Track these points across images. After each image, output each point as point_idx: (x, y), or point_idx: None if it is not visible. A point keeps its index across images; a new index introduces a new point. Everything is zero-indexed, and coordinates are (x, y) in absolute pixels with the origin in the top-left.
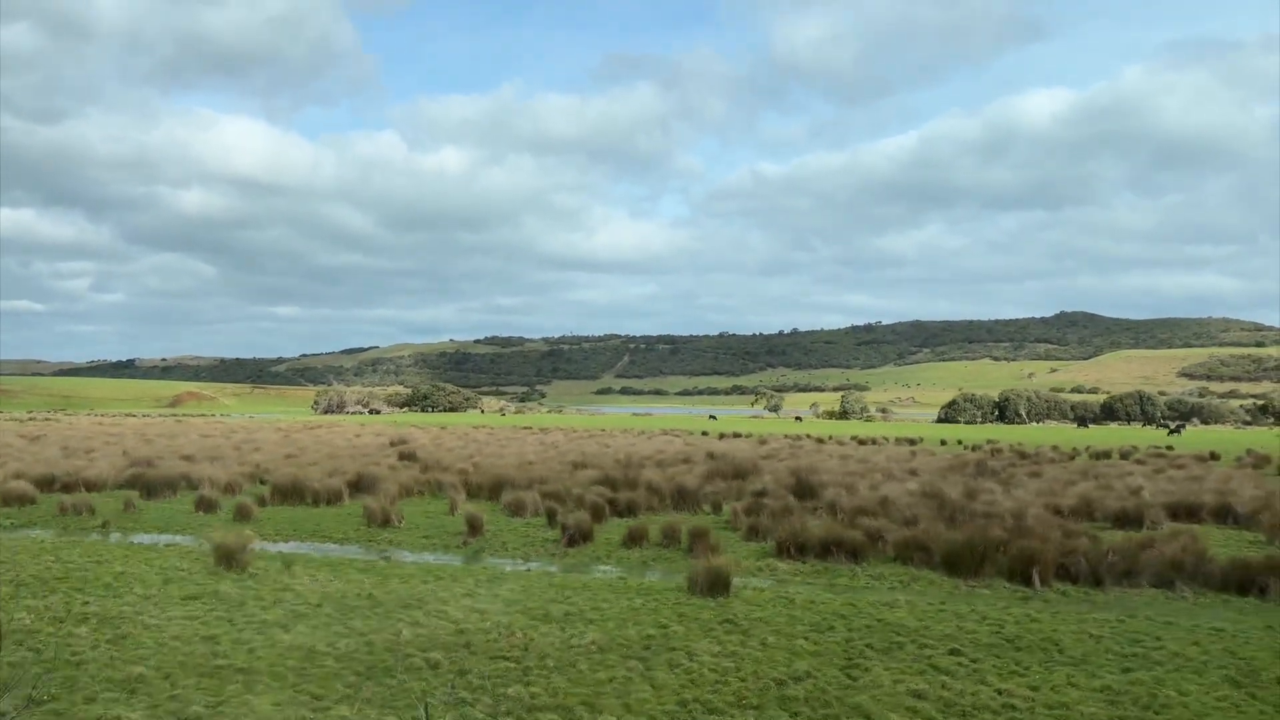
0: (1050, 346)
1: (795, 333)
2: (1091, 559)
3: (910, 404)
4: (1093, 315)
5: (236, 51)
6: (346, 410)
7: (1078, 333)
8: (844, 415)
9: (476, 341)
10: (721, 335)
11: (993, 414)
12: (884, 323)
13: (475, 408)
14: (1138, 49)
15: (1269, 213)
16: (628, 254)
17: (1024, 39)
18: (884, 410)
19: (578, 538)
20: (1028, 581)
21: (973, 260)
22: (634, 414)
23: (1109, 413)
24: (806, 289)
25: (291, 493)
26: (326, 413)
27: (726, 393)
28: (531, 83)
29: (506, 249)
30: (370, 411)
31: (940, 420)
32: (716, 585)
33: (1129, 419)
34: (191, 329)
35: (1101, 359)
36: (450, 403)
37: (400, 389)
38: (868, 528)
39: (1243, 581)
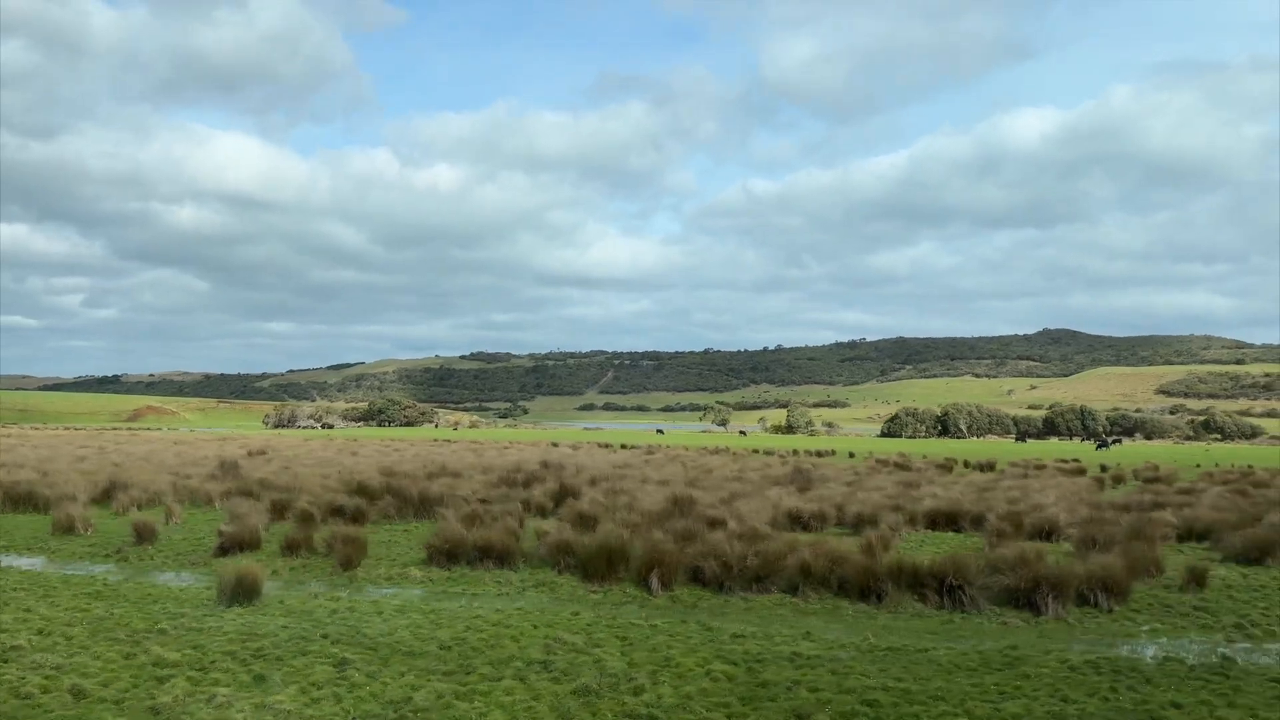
0: (1032, 364)
1: (780, 349)
2: (726, 563)
3: (874, 420)
4: (1075, 332)
5: (231, 69)
6: (298, 425)
7: (1060, 350)
8: (790, 430)
9: (462, 358)
10: (707, 352)
11: (935, 428)
12: (868, 339)
13: (432, 422)
14: (1126, 69)
15: (1258, 232)
16: (621, 271)
17: (1013, 59)
18: (830, 425)
19: (233, 546)
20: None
21: (965, 278)
22: (585, 428)
23: (1050, 427)
24: (800, 306)
25: (23, 500)
26: (277, 427)
27: (710, 408)
28: (524, 100)
29: (500, 266)
30: (324, 426)
31: (884, 434)
32: (241, 592)
33: (1070, 433)
34: (185, 345)
35: (1081, 376)
36: (407, 417)
37: (359, 404)
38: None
39: (864, 588)
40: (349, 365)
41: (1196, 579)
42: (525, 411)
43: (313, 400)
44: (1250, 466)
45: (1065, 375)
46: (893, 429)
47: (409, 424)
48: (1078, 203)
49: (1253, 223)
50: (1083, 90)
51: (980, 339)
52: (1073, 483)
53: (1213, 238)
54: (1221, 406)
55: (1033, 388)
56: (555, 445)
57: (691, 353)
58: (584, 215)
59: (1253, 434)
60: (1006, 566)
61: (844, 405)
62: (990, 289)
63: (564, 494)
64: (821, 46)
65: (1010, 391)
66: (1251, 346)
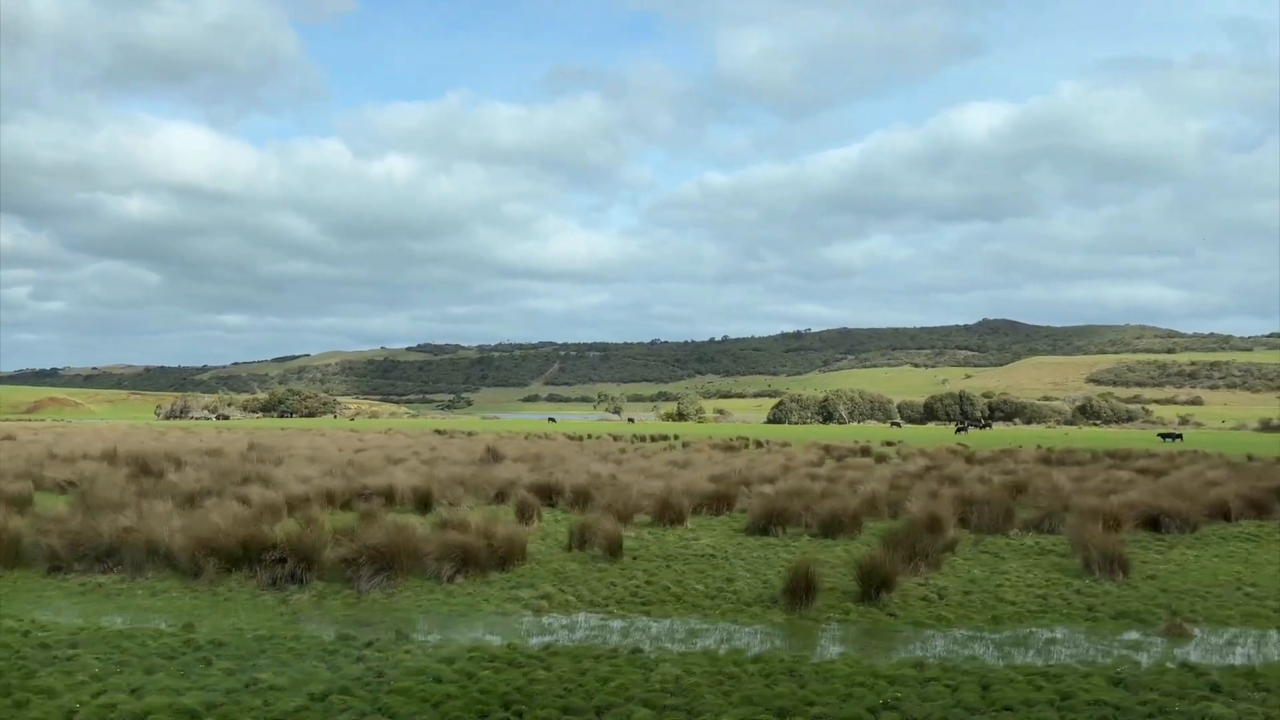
0: (970, 353)
1: (726, 340)
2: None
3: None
4: (1014, 323)
5: (178, 58)
6: (190, 416)
7: (998, 340)
8: (681, 417)
9: (408, 349)
10: (653, 343)
11: (819, 415)
12: (813, 330)
13: (331, 413)
14: (1073, 66)
15: (1204, 226)
16: (580, 263)
17: (963, 55)
18: (721, 412)
19: None
20: None
21: (919, 271)
22: (484, 418)
23: (930, 413)
24: (759, 299)
25: None
26: (169, 418)
27: (652, 399)
28: (478, 92)
29: (458, 258)
30: (219, 417)
31: (770, 421)
32: None
33: (948, 418)
34: (136, 338)
35: (1015, 365)
36: (308, 408)
37: (260, 396)
38: None
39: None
40: (293, 358)
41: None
42: (469, 403)
43: (253, 392)
44: (1054, 448)
45: (1001, 365)
46: (778, 415)
47: (310, 414)
48: (1027, 197)
49: (1198, 217)
50: (1032, 86)
51: (921, 329)
52: (815, 462)
53: (1159, 231)
54: (1149, 394)
55: (968, 377)
56: (440, 433)
57: (639, 344)
58: (542, 208)
59: (1128, 418)
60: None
61: (740, 396)
62: (944, 282)
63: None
64: (775, 42)
65: (944, 381)
66: (1183, 336)
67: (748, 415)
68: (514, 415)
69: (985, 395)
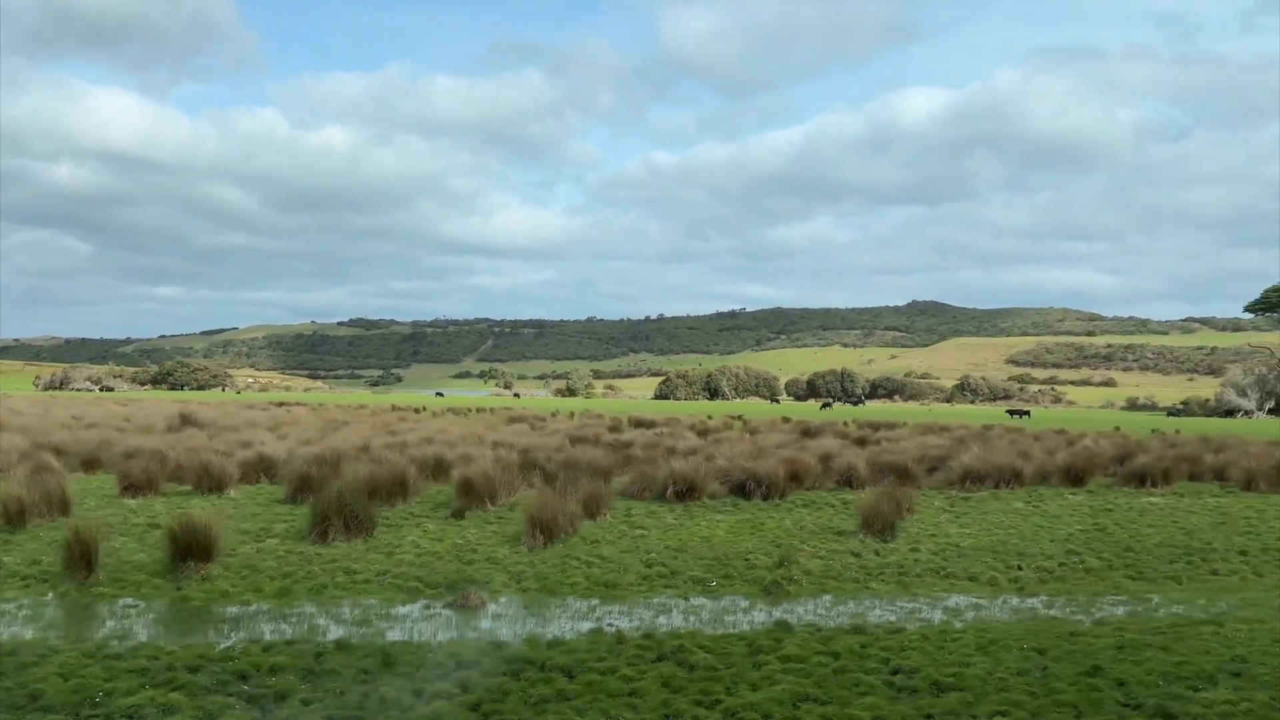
0: (899, 334)
1: (661, 319)
2: None
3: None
4: (942, 305)
5: (107, 22)
6: (71, 387)
7: (926, 321)
8: (571, 393)
9: (340, 324)
10: (589, 320)
11: (704, 391)
12: (748, 310)
13: (222, 386)
14: (1009, 53)
15: (1135, 213)
16: (525, 240)
17: (902, 40)
18: (611, 388)
19: None
20: None
21: (862, 254)
22: (372, 391)
23: (812, 390)
24: (704, 278)
25: None
26: (47, 389)
27: (548, 377)
28: (419, 64)
29: (401, 233)
30: (102, 389)
31: (657, 397)
32: None
33: (830, 395)
34: (65, 309)
35: (939, 346)
36: (198, 380)
37: (149, 368)
38: None
39: None
40: (220, 331)
41: None
42: (399, 379)
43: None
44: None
45: (926, 345)
46: (665, 391)
47: (201, 387)
48: (965, 182)
49: (1129, 204)
50: (970, 72)
51: (852, 310)
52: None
53: (1092, 218)
54: (1065, 375)
55: (893, 357)
56: (282, 405)
57: (575, 321)
58: (485, 183)
59: (1004, 396)
60: None
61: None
62: (886, 265)
63: None
64: (718, 22)
65: (870, 360)
66: (1104, 319)
67: (635, 392)
68: (419, 391)
69: (908, 374)
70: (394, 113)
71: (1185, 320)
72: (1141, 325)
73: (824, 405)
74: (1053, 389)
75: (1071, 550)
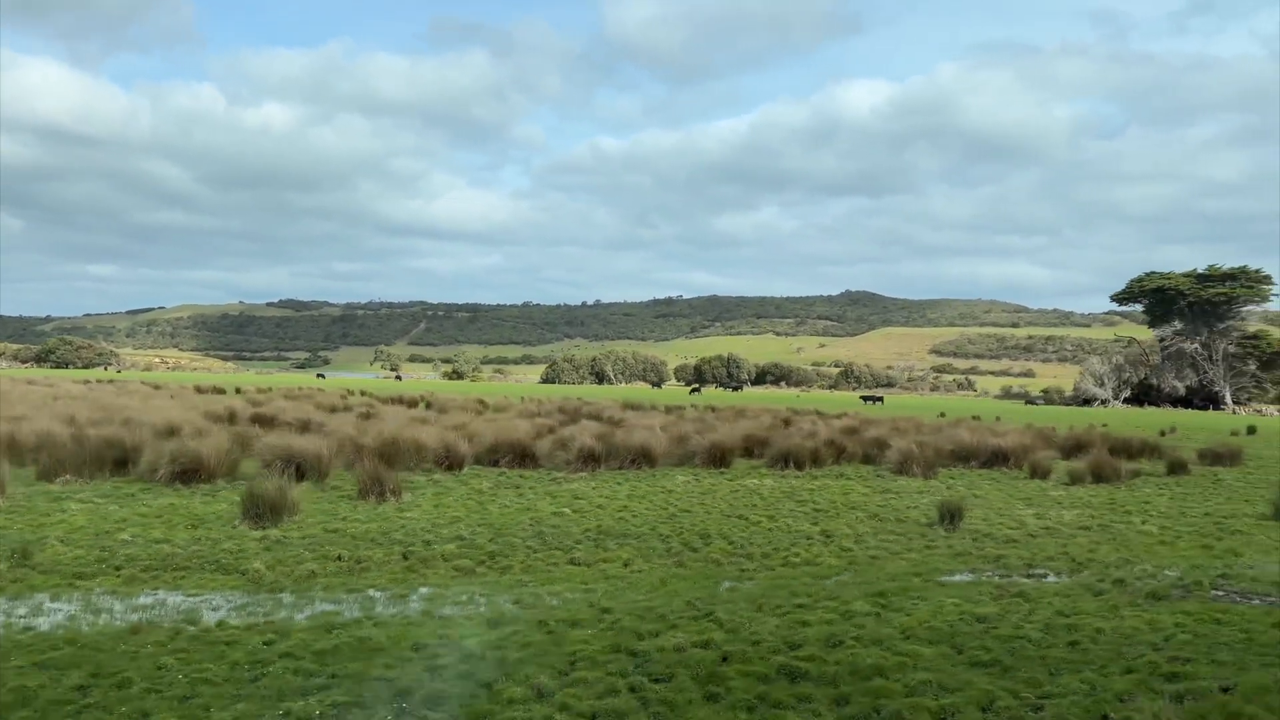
0: (830, 323)
1: (598, 304)
2: None
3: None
4: (874, 295)
5: None
6: None
7: (857, 311)
8: (459, 376)
9: (269, 304)
10: (525, 305)
11: (591, 375)
12: (684, 297)
13: (106, 364)
14: (950, 47)
15: (1070, 207)
16: (471, 223)
17: (845, 32)
18: (499, 372)
19: None
20: None
21: (807, 244)
22: (259, 373)
23: (699, 375)
24: (653, 265)
25: None
26: None
27: (516, 361)
28: (360, 41)
29: (343, 213)
30: None
31: (544, 381)
32: None
33: (714, 380)
34: None
35: (866, 336)
36: (83, 359)
37: (33, 346)
38: None
39: None
40: (146, 310)
41: None
42: (327, 362)
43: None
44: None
45: (855, 335)
46: (552, 376)
47: (88, 366)
48: (906, 174)
49: (1065, 199)
50: (911, 65)
51: (786, 299)
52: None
53: (1030, 212)
54: (985, 365)
55: (822, 346)
56: (109, 382)
57: (511, 306)
58: (428, 164)
59: (888, 384)
60: None
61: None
62: (830, 255)
63: None
64: (662, 8)
65: (799, 349)
66: (1029, 311)
67: (523, 376)
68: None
69: (843, 364)
70: (334, 91)
71: (1108, 314)
72: (1065, 318)
73: (693, 390)
74: (967, 378)
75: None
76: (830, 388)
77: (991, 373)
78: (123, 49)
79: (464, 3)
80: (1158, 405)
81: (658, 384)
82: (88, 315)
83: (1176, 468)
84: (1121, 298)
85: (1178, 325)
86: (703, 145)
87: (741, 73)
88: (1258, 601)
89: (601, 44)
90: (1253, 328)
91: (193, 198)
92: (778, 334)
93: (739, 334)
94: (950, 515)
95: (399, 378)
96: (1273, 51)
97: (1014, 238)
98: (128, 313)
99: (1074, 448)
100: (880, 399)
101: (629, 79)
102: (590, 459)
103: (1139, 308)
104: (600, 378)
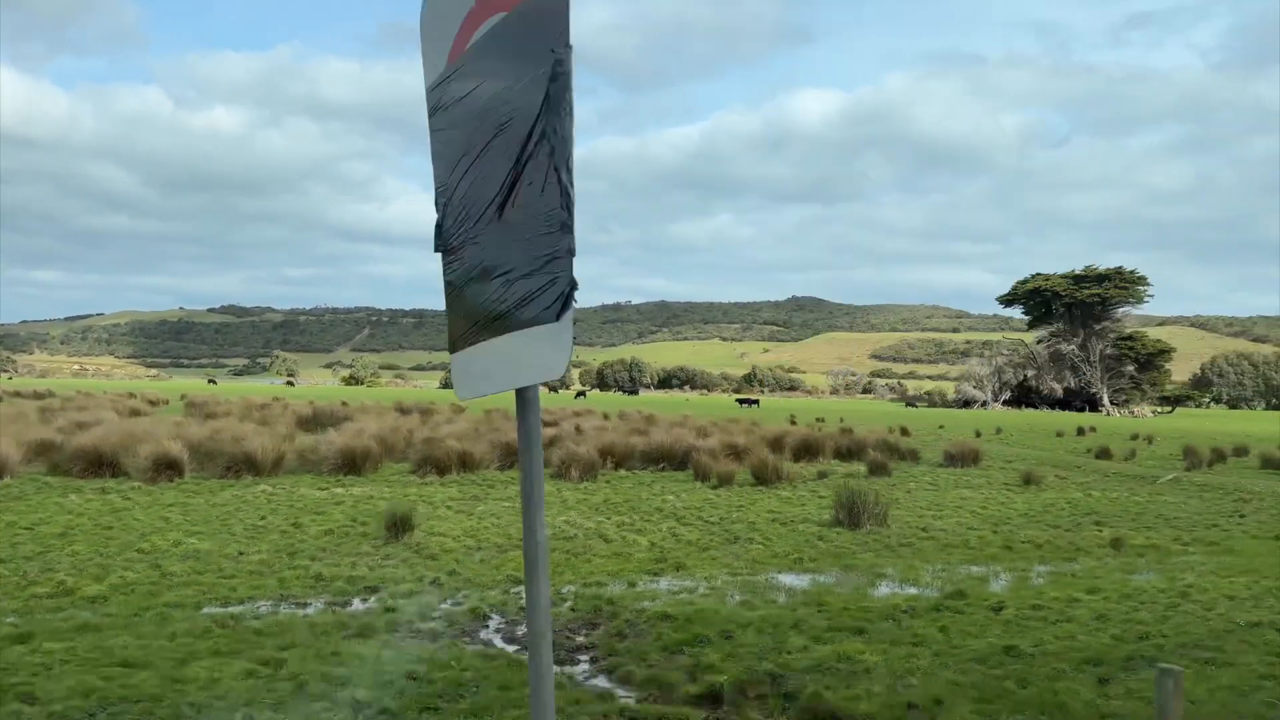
0: (776, 328)
1: None
2: None
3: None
4: (820, 300)
5: None
6: None
7: (803, 316)
8: (357, 382)
9: (210, 310)
10: None
11: None
12: (632, 303)
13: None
14: (897, 58)
15: (1020, 215)
16: (424, 229)
17: (794, 42)
18: (400, 377)
19: None
20: None
21: (763, 251)
22: (154, 379)
23: (601, 380)
24: (611, 271)
25: None
26: None
27: (440, 368)
28: (309, 44)
29: (293, 218)
30: None
31: (443, 386)
32: None
33: (616, 384)
34: None
35: (809, 341)
36: None
37: None
38: None
39: None
40: (84, 316)
41: None
42: (265, 369)
43: (31, 352)
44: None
45: (799, 340)
46: (450, 381)
47: None
48: (858, 182)
49: (1014, 207)
50: (859, 75)
51: (734, 304)
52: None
53: (979, 219)
54: (924, 370)
55: (765, 351)
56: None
57: None
58: (380, 168)
59: (791, 387)
60: None
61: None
62: (786, 262)
63: None
64: (615, 15)
65: (743, 355)
66: (970, 316)
67: (422, 382)
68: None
69: (785, 369)
70: (283, 94)
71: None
72: (1004, 323)
73: (578, 394)
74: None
75: None
76: (734, 391)
77: (930, 376)
78: (65, 51)
79: (412, 5)
80: (1036, 407)
81: (581, 392)
82: (24, 322)
83: (877, 469)
84: (1006, 300)
85: (1055, 327)
86: (657, 152)
87: (694, 81)
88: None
89: None
90: (1129, 329)
91: (140, 202)
92: (724, 339)
93: (686, 339)
94: (397, 525)
95: (290, 383)
96: (1210, 63)
97: (966, 245)
98: (65, 319)
99: (802, 450)
100: (756, 402)
101: (584, 84)
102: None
103: (1020, 310)
104: None
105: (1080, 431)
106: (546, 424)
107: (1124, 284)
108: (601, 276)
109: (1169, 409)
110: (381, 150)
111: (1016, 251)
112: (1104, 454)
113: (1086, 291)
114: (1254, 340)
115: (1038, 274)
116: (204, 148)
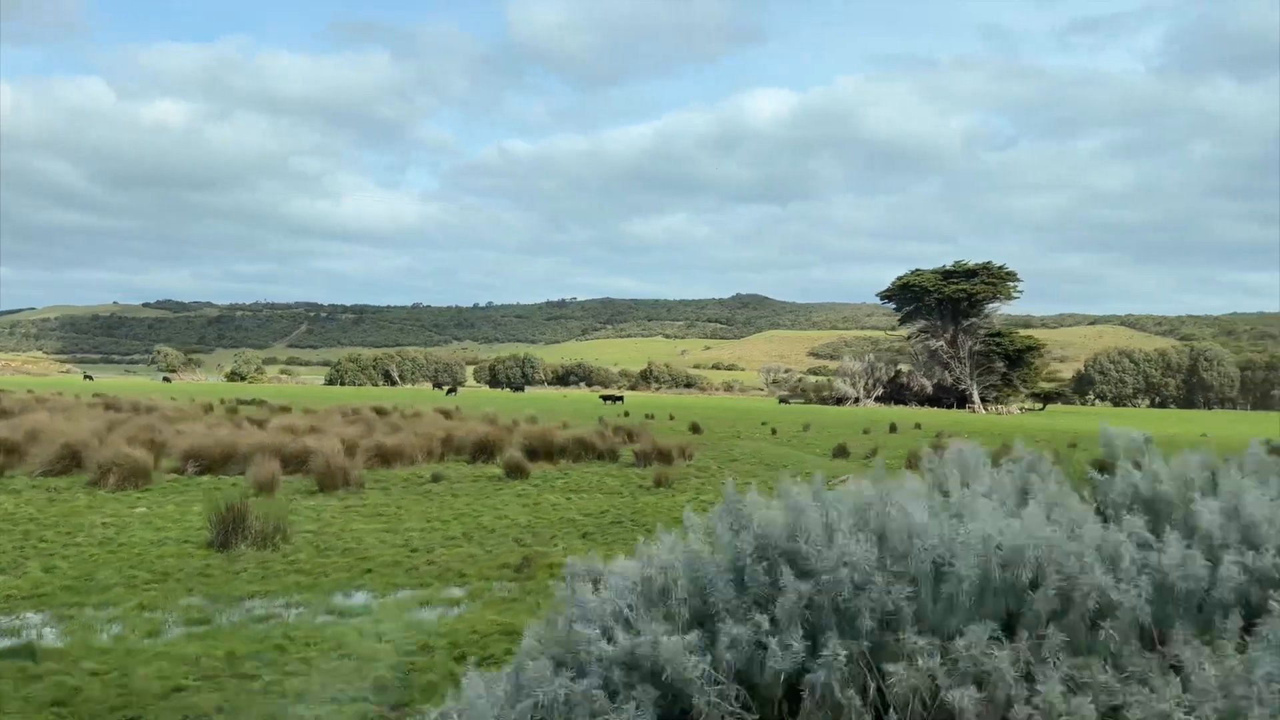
0: (719, 326)
1: (490, 306)
2: None
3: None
4: (763, 298)
5: None
6: None
7: (746, 314)
8: (240, 378)
9: (145, 305)
10: (415, 306)
11: (382, 376)
12: (577, 299)
13: None
14: (848, 59)
15: (970, 216)
16: (379, 225)
17: (745, 42)
18: (286, 374)
19: None
20: None
21: (721, 250)
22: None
23: (493, 377)
24: (568, 270)
25: None
26: None
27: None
28: (258, 38)
29: (244, 213)
30: None
31: (329, 382)
32: None
33: (508, 382)
34: None
35: (749, 339)
36: None
37: None
38: None
39: None
40: (14, 311)
41: None
42: (198, 365)
43: None
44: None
45: (740, 338)
46: (336, 376)
47: None
48: (811, 182)
49: (964, 208)
50: (811, 76)
51: (679, 301)
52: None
53: (931, 219)
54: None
55: (707, 348)
56: None
57: (400, 307)
58: (332, 164)
59: (688, 384)
60: None
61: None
62: (742, 261)
63: None
64: (568, 14)
65: (684, 352)
66: None
67: (308, 379)
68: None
69: (724, 366)
70: (232, 88)
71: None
72: None
73: (449, 391)
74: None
75: None
76: (631, 388)
77: (668, 367)
78: (2, 41)
79: (365, 3)
80: (907, 404)
81: (452, 388)
82: None
83: (514, 471)
84: (884, 295)
85: (923, 323)
86: (613, 150)
87: (648, 79)
88: None
89: (508, 47)
90: (998, 325)
91: (86, 196)
92: (667, 336)
93: (629, 336)
94: None
95: (167, 379)
96: (1152, 68)
97: (917, 245)
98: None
99: (479, 449)
100: (620, 399)
101: (537, 82)
102: None
103: (893, 305)
104: (389, 379)
105: (893, 428)
106: None
107: (991, 280)
108: (558, 274)
109: (1039, 406)
110: (334, 145)
111: (966, 251)
112: (841, 453)
113: (953, 287)
114: (1181, 339)
115: (916, 270)
116: (152, 141)
